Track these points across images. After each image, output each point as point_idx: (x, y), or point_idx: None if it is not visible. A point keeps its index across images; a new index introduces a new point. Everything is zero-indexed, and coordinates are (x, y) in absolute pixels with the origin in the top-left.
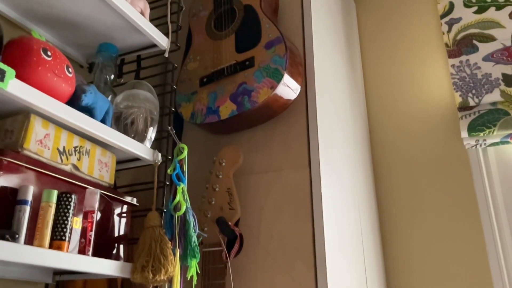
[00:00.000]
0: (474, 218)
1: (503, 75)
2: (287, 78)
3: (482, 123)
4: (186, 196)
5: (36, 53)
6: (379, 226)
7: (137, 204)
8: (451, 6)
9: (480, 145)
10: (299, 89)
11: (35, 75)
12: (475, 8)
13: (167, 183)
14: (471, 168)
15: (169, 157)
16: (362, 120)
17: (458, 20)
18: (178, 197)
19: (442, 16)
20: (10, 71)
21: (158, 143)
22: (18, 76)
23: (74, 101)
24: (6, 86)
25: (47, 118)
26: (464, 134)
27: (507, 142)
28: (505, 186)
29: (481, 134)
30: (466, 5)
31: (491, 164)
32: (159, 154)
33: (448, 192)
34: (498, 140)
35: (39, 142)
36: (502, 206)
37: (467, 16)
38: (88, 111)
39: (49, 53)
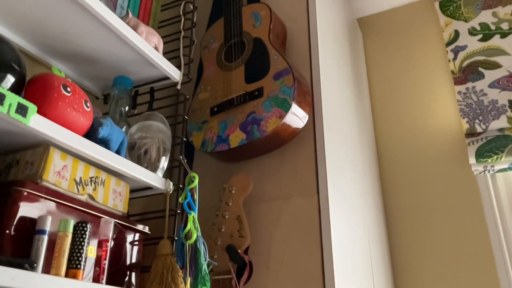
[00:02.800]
0: (485, 244)
1: (510, 101)
2: (295, 108)
3: (489, 149)
4: (197, 225)
5: (56, 89)
6: (389, 252)
7: (149, 233)
8: (456, 34)
9: (489, 171)
10: (307, 118)
11: (56, 110)
12: (480, 36)
13: (178, 211)
14: (480, 194)
15: (181, 186)
16: (371, 147)
17: (464, 47)
18: (189, 225)
19: (448, 44)
20: (32, 107)
21: (169, 172)
22: (39, 111)
23: (91, 134)
24: (29, 121)
25: (65, 150)
26: (472, 160)
27: None
28: None
29: (489, 160)
30: (471, 33)
31: (500, 190)
32: (171, 183)
33: (458, 218)
34: (506, 166)
35: (57, 173)
36: None
37: (472, 44)
38: (104, 142)
39: (68, 89)
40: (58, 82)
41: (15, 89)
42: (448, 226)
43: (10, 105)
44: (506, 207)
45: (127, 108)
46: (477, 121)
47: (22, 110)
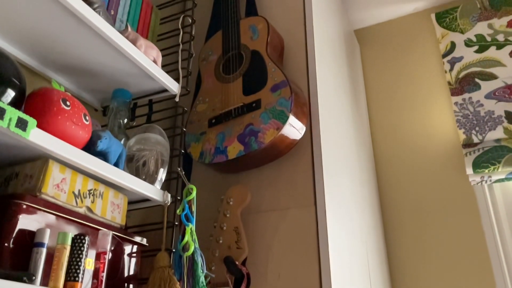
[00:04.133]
0: (483, 255)
1: (506, 112)
2: (292, 119)
3: (486, 159)
4: (195, 237)
5: (56, 103)
6: (387, 263)
7: (147, 245)
8: (453, 46)
9: (486, 181)
10: (304, 129)
11: (55, 124)
12: (476, 47)
13: (176, 223)
14: (478, 204)
15: (178, 198)
16: (368, 157)
17: (460, 59)
18: (187, 237)
19: (444, 55)
20: (31, 121)
21: (167, 184)
22: (39, 125)
23: (90, 146)
24: (28, 135)
25: (64, 163)
26: (469, 170)
27: None
28: None
29: (486, 170)
30: (467, 45)
31: (497, 201)
32: (169, 195)
33: (456, 228)
34: (503, 176)
35: (56, 186)
36: (510, 242)
37: (469, 55)
38: (103, 155)
39: (68, 103)
40: (58, 96)
41: (15, 103)
42: (446, 236)
43: (10, 120)
44: (504, 217)
45: (125, 121)
46: (473, 131)
47: (22, 124)
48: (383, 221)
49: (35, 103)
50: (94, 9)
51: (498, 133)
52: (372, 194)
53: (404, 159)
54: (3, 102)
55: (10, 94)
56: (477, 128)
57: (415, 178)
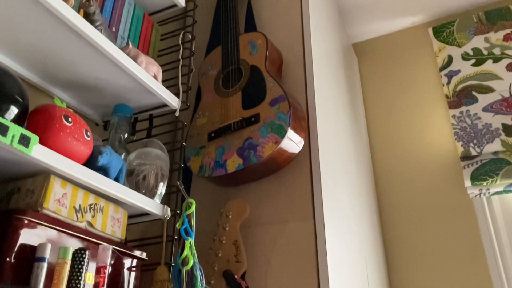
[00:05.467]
0: (482, 267)
1: (503, 125)
2: (290, 133)
3: (484, 172)
4: (194, 251)
5: (58, 120)
6: (387, 276)
7: (147, 259)
8: (450, 59)
9: (484, 194)
10: (303, 142)
11: (57, 140)
12: (473, 60)
13: (176, 237)
14: (476, 217)
15: (178, 212)
16: (367, 170)
17: (457, 72)
18: (186, 251)
19: (442, 69)
20: (34, 138)
21: (167, 198)
22: (41, 141)
23: (91, 161)
24: (31, 151)
25: (66, 178)
26: (468, 183)
27: (511, 191)
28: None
29: (484, 183)
30: (464, 58)
31: (496, 213)
32: (168, 209)
33: (454, 240)
34: (501, 189)
35: (57, 201)
36: (509, 254)
37: (466, 68)
38: (104, 170)
39: (70, 119)
40: (60, 113)
41: (18, 119)
42: (446, 249)
43: (13, 136)
44: (502, 230)
45: (126, 135)
46: (471, 144)
47: (24, 140)
48: (382, 234)
49: (37, 120)
50: (96, 27)
51: (495, 145)
52: (371, 206)
53: (403, 172)
54: (7, 119)
55: (13, 111)
56: (475, 141)
57: (414, 190)
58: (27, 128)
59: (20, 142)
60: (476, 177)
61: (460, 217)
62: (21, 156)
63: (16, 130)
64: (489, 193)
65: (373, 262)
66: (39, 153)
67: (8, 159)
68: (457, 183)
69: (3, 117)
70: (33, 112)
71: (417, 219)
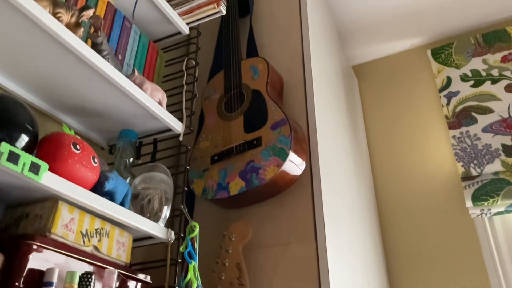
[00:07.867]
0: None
1: (503, 145)
2: (292, 156)
3: (485, 192)
4: (197, 274)
5: (67, 147)
6: None
7: (151, 282)
8: (449, 81)
9: (486, 214)
10: (304, 164)
11: (65, 167)
12: (472, 82)
13: (179, 260)
14: (478, 237)
15: (182, 235)
16: (369, 191)
17: (456, 93)
18: (190, 274)
19: (441, 90)
20: (44, 165)
21: (171, 221)
22: (50, 168)
23: (98, 187)
24: (40, 179)
25: (73, 204)
26: (469, 203)
27: None
28: None
29: (485, 203)
30: (463, 80)
31: (498, 233)
32: (172, 233)
33: (457, 260)
34: (503, 209)
35: (65, 226)
36: (511, 274)
37: (465, 89)
38: (110, 195)
39: (78, 146)
40: (69, 140)
41: (28, 147)
42: (448, 269)
43: (24, 164)
44: (505, 250)
45: (131, 160)
46: (472, 165)
47: (34, 168)
48: (384, 255)
49: (47, 148)
50: (103, 57)
51: (496, 166)
52: (373, 227)
53: (404, 192)
54: (18, 148)
55: (24, 139)
56: (475, 161)
57: (416, 210)
58: (37, 156)
59: (30, 170)
60: (477, 198)
61: (462, 238)
62: (30, 183)
63: (27, 159)
64: (490, 213)
65: (375, 282)
66: (48, 180)
67: (18, 185)
68: (458, 203)
69: (14, 145)
70: (43, 140)
71: (419, 239)
